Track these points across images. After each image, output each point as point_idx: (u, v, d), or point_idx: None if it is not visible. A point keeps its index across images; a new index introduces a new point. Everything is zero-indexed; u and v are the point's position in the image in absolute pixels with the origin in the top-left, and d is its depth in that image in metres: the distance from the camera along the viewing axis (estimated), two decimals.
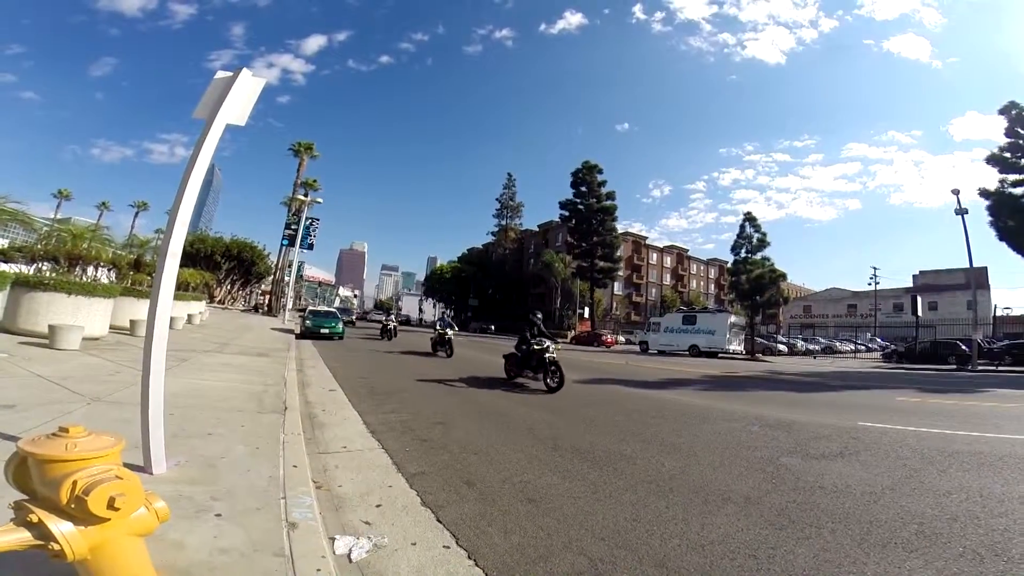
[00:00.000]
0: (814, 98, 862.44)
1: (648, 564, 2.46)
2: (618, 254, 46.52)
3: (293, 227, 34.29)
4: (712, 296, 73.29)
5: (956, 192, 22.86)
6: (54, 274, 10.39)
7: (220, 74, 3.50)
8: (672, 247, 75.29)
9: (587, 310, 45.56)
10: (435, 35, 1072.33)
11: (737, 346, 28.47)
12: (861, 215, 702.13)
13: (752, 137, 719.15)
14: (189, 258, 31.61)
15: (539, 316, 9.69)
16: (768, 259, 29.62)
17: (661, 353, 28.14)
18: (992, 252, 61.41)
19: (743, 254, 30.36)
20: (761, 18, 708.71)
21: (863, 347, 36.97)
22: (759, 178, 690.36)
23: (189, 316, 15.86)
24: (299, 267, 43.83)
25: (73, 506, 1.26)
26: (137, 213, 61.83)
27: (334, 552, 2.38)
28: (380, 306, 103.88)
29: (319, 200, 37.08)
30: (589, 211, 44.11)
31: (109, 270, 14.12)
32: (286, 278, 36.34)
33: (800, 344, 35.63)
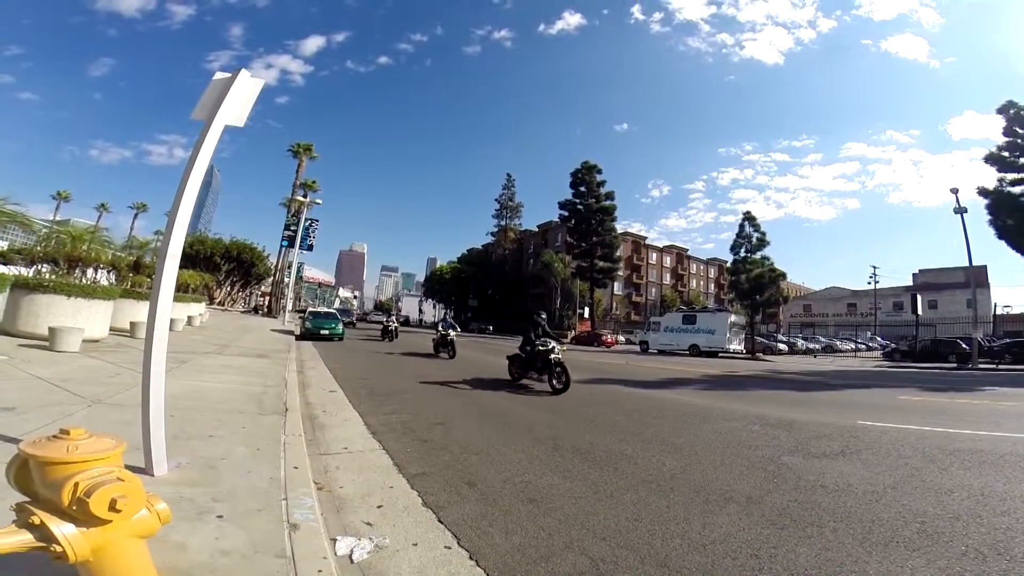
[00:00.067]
0: (812, 98, 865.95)
1: (650, 564, 2.45)
2: (618, 254, 46.58)
3: (292, 228, 34.35)
4: (712, 296, 73.30)
5: (955, 191, 22.95)
6: (54, 276, 10.41)
7: (219, 75, 3.50)
8: (672, 247, 75.27)
9: (587, 310, 45.54)
10: (434, 36, 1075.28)
11: (737, 345, 28.47)
12: (860, 214, 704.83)
13: (751, 137, 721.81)
14: (188, 260, 31.63)
15: (543, 316, 9.64)
16: (768, 258, 29.64)
17: (661, 353, 28.12)
18: (991, 250, 61.63)
19: (743, 253, 30.36)
20: (759, 18, 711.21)
21: (863, 346, 36.90)
22: (758, 178, 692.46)
23: (189, 318, 15.87)
24: (299, 268, 43.79)
25: (75, 508, 1.26)
26: (136, 215, 61.94)
27: (336, 553, 2.38)
28: (380, 307, 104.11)
29: (318, 201, 37.12)
30: (588, 211, 44.14)
31: (109, 272, 14.13)
32: (286, 279, 36.40)
33: (800, 343, 35.63)
